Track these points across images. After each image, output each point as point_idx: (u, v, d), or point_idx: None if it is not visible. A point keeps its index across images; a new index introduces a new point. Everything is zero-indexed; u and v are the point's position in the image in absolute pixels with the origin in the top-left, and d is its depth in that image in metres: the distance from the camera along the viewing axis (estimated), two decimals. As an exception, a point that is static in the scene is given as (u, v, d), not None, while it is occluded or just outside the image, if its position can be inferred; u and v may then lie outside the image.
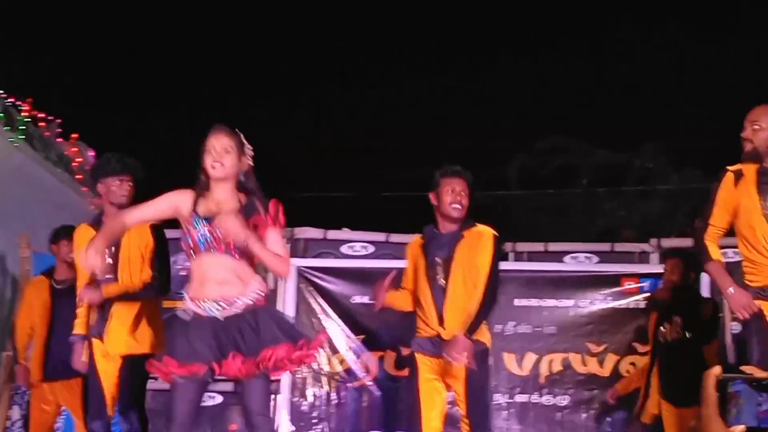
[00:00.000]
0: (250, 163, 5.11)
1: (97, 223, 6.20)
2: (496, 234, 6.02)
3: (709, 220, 5.44)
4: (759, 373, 4.31)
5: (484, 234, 6.00)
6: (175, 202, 5.01)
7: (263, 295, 4.97)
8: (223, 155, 4.96)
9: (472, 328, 5.78)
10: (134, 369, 5.98)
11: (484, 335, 5.96)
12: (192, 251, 4.92)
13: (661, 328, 7.08)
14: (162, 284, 6.23)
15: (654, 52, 16.81)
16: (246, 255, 4.91)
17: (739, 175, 5.37)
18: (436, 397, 5.95)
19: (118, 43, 13.97)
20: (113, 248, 6.00)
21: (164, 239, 6.28)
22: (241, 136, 5.10)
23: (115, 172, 6.18)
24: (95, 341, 6.11)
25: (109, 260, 5.19)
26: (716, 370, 2.05)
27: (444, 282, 5.93)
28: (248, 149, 5.11)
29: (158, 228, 6.22)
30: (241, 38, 15.49)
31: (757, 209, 5.24)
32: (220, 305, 4.85)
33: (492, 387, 6.17)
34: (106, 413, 6.15)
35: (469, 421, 5.83)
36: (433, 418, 5.94)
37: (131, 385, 6.13)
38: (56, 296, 7.32)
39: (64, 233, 7.28)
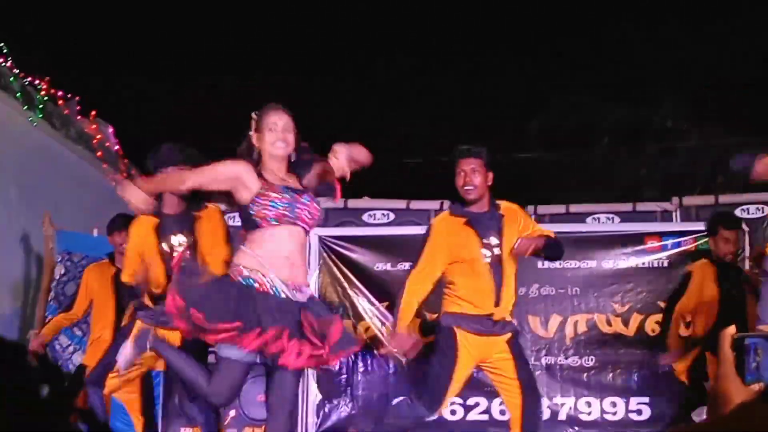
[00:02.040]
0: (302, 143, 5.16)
1: (157, 214, 6.25)
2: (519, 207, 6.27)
3: None
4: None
5: (516, 209, 6.17)
6: (236, 173, 5.00)
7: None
8: (286, 133, 5.01)
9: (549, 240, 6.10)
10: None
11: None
12: (274, 218, 4.93)
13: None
14: None
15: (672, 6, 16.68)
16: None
17: None
18: (465, 378, 6.06)
19: (136, 17, 13.97)
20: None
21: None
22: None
23: (176, 163, 6.20)
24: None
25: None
26: (731, 329, 2.06)
27: (500, 265, 5.99)
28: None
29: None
30: (265, 12, 15.46)
31: None
32: (288, 287, 4.89)
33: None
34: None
35: (522, 387, 5.90)
36: (453, 391, 6.06)
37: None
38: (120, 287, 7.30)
39: (123, 225, 7.23)
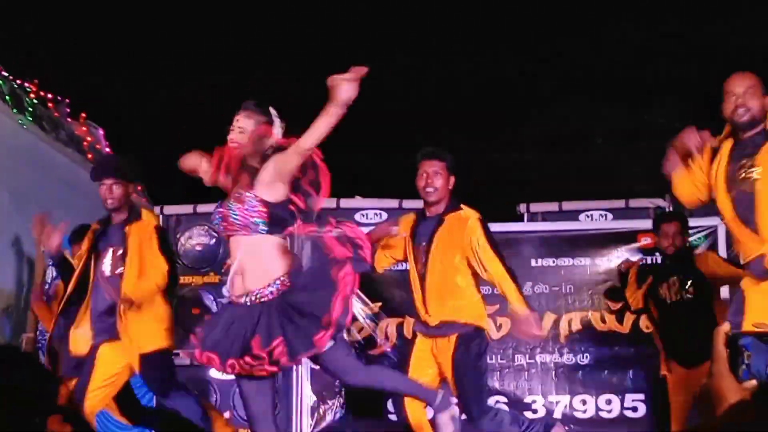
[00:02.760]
0: (275, 139, 4.97)
1: (104, 223, 6.30)
2: (480, 216, 5.98)
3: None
4: None
5: (467, 218, 5.95)
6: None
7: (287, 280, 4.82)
8: (240, 133, 4.94)
9: (526, 302, 5.75)
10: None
11: (470, 315, 5.93)
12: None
13: (660, 290, 7.05)
14: None
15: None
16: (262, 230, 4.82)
17: (715, 151, 5.16)
18: (425, 378, 5.85)
19: (126, 18, 13.94)
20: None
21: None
22: (271, 112, 5.03)
23: (99, 178, 6.30)
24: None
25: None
26: (725, 326, 2.04)
27: (423, 269, 5.91)
28: (277, 123, 5.02)
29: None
30: (261, 13, 15.45)
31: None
32: (247, 297, 4.77)
33: (485, 367, 6.07)
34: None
35: (458, 402, 5.74)
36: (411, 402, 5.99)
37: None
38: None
39: (78, 237, 7.25)
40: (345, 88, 4.73)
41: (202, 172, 5.04)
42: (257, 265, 4.77)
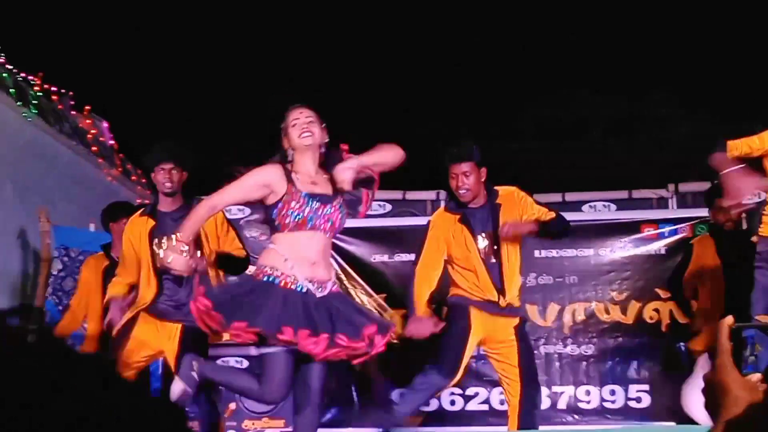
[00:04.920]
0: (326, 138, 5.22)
1: (151, 213, 6.25)
2: (516, 189, 6.36)
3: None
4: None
5: (512, 191, 6.29)
6: (266, 180, 5.08)
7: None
8: (309, 124, 5.07)
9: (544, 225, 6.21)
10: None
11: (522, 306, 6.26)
12: (294, 226, 5.01)
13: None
14: None
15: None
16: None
17: None
18: (473, 348, 6.26)
19: (130, 11, 13.94)
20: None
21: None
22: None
23: (159, 162, 6.24)
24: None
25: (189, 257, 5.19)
26: (729, 319, 2.06)
27: (495, 259, 6.12)
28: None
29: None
30: (264, 10, 15.44)
31: None
32: (312, 284, 4.97)
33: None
34: None
35: (522, 372, 6.02)
36: (466, 359, 6.22)
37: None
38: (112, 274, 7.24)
39: (124, 212, 7.25)
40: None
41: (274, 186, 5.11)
42: (327, 262, 5.16)
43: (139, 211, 6.45)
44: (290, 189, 5.01)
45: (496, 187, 6.32)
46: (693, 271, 7.52)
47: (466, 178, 6.16)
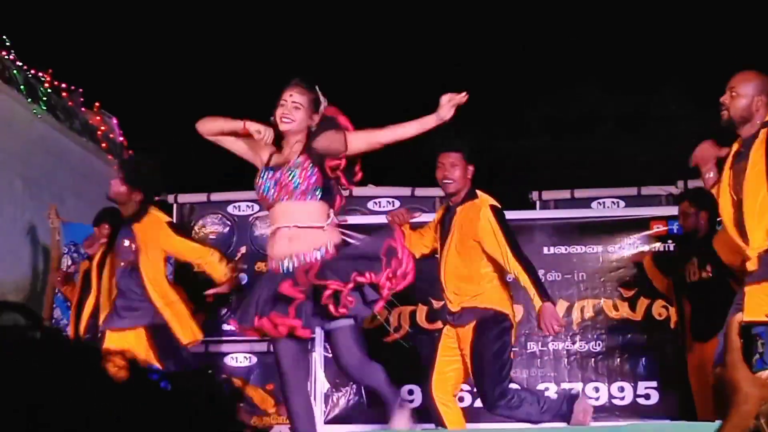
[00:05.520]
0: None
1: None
2: (494, 203, 6.11)
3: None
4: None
5: (480, 206, 6.06)
6: (255, 146, 5.13)
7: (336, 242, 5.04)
8: (292, 111, 5.02)
9: (543, 292, 5.88)
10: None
11: (490, 301, 6.05)
12: (264, 204, 5.14)
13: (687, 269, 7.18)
14: None
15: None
16: (313, 195, 5.00)
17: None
18: (452, 358, 6.16)
19: (139, 6, 13.95)
20: None
21: None
22: (318, 92, 5.16)
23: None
24: None
25: None
26: (739, 316, 2.04)
27: (440, 257, 6.12)
28: (323, 104, 5.18)
29: None
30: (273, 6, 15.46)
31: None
32: (295, 259, 4.94)
33: (507, 351, 6.20)
34: None
35: (477, 387, 5.98)
36: (447, 376, 6.19)
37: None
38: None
39: (108, 219, 7.41)
40: (449, 108, 5.10)
41: (253, 131, 5.04)
42: (308, 231, 4.95)
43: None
44: (261, 167, 5.09)
45: (477, 192, 6.20)
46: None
47: (453, 169, 6.08)
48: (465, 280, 6.05)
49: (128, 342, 6.18)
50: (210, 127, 5.15)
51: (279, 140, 5.12)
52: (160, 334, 6.17)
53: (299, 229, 4.94)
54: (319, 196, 5.00)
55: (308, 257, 4.92)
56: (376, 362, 5.22)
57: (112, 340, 6.23)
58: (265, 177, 5.01)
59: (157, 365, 6.14)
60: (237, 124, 5.05)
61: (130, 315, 6.31)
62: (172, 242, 6.40)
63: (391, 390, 5.22)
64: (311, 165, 4.97)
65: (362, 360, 5.10)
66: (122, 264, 6.40)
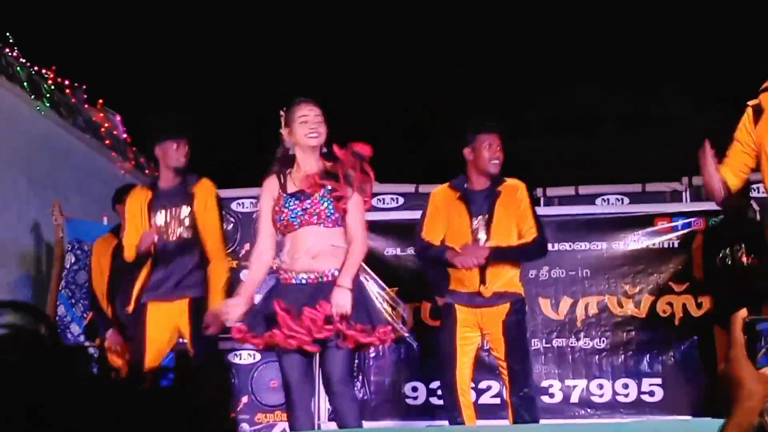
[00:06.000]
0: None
1: (152, 186, 6.32)
2: (525, 185, 6.24)
3: (725, 159, 5.28)
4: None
5: (518, 187, 6.11)
6: (270, 197, 5.25)
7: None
8: (318, 124, 5.10)
9: (501, 252, 6.01)
10: None
11: (517, 286, 6.10)
12: (286, 227, 5.15)
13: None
14: None
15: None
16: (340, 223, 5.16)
17: (758, 110, 5.13)
18: (470, 347, 6.10)
19: (142, 3, 13.96)
20: None
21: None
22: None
23: (171, 135, 6.25)
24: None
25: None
26: (743, 312, 2.05)
27: (486, 243, 6.04)
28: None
29: None
30: (273, 5, 15.46)
31: None
32: (312, 276, 5.09)
33: (529, 333, 6.30)
34: None
35: (508, 365, 5.96)
36: (465, 364, 6.08)
37: None
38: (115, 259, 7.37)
39: (126, 193, 7.32)
40: None
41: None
42: (333, 251, 5.10)
43: (140, 185, 6.53)
44: (279, 195, 5.17)
45: (505, 178, 6.25)
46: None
47: (499, 150, 6.13)
48: (506, 267, 6.09)
49: (173, 314, 6.14)
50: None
51: (286, 163, 5.21)
52: (200, 308, 6.07)
53: (324, 251, 5.10)
54: (343, 222, 5.17)
55: (326, 273, 5.09)
56: (355, 393, 5.40)
57: (158, 312, 6.16)
58: (289, 206, 5.10)
59: (187, 340, 6.13)
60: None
61: (178, 286, 6.20)
62: (211, 216, 6.31)
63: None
64: (322, 197, 5.14)
65: (347, 377, 5.21)
66: (166, 237, 6.24)
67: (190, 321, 6.11)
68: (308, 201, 5.10)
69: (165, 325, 6.20)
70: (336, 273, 5.07)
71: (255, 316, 5.15)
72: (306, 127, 5.13)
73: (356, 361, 8.36)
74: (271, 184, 5.23)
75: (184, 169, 6.28)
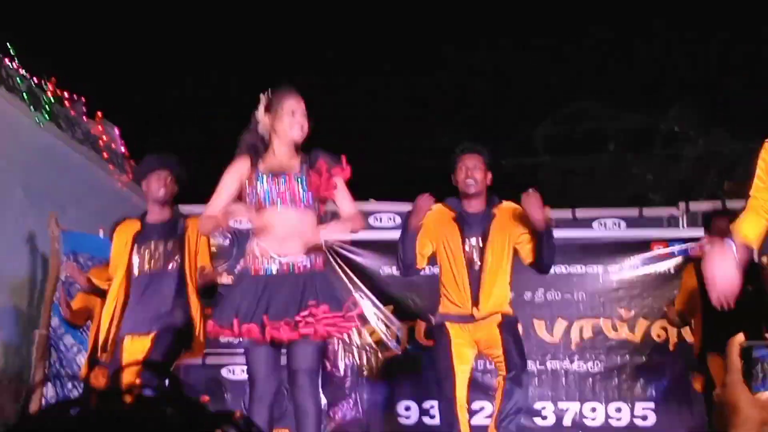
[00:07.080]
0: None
1: (140, 218, 6.31)
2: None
3: (749, 191, 5.16)
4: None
5: (512, 211, 6.07)
6: (238, 173, 5.14)
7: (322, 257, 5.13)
8: (304, 119, 5.07)
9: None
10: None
11: (507, 307, 6.08)
12: (257, 207, 5.04)
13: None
14: None
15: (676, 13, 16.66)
16: (312, 207, 5.07)
17: None
18: (465, 365, 6.07)
19: (142, 16, 13.98)
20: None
21: None
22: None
23: (154, 168, 6.26)
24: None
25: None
26: (740, 337, 2.04)
27: (479, 265, 6.01)
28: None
29: None
30: (264, 11, 15.48)
31: None
32: (284, 260, 4.98)
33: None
34: None
35: (504, 350, 5.93)
36: (461, 381, 6.05)
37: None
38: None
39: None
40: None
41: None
42: (302, 236, 4.98)
43: (129, 218, 6.52)
44: (251, 173, 5.07)
45: (501, 201, 6.21)
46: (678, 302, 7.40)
47: (475, 170, 6.09)
48: (497, 286, 6.06)
49: (144, 346, 6.10)
50: (207, 228, 5.28)
51: (258, 151, 5.16)
52: (166, 338, 6.04)
53: (293, 234, 4.97)
54: (315, 207, 5.08)
55: (297, 262, 4.99)
56: (319, 391, 5.35)
57: (132, 346, 6.12)
58: (263, 182, 5.04)
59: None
60: (224, 215, 5.09)
61: (153, 320, 6.14)
62: (204, 249, 6.31)
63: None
64: (297, 177, 5.07)
65: (314, 375, 5.12)
66: (148, 268, 6.21)
67: (154, 341, 6.06)
68: (282, 178, 5.04)
69: (140, 358, 6.16)
70: (306, 264, 4.99)
71: (224, 310, 5.05)
72: (294, 121, 5.08)
73: (349, 378, 8.38)
74: (243, 162, 5.13)
75: (171, 203, 6.31)
